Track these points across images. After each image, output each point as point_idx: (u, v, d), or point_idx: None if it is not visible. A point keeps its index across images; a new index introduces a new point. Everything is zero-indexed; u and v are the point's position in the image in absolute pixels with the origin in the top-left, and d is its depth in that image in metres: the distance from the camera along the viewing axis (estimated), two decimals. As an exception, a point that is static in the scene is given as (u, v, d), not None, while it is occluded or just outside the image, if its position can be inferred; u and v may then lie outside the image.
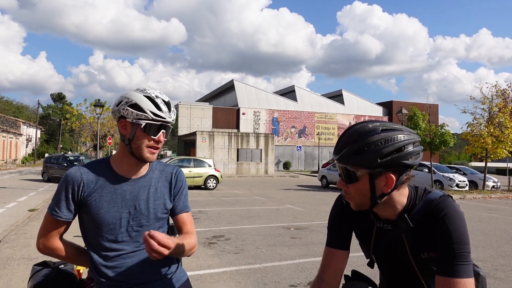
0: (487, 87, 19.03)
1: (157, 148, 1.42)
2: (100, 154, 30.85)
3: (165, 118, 1.39)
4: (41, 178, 21.55)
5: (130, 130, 1.39)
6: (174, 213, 1.52)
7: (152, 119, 1.37)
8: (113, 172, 1.44)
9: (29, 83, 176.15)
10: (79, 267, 1.62)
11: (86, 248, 1.46)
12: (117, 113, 1.41)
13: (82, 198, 1.39)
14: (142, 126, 1.37)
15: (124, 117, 1.39)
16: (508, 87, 19.46)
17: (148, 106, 1.37)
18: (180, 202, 1.54)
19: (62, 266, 1.54)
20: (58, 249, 1.45)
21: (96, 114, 21.21)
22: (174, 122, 1.46)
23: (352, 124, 1.26)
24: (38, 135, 53.31)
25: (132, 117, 1.37)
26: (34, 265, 1.53)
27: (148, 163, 1.50)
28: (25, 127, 51.51)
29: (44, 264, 1.54)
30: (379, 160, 1.11)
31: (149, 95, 1.39)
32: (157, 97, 1.40)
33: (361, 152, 1.13)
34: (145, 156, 1.40)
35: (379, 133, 1.14)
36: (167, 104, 1.42)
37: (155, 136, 1.39)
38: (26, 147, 52.02)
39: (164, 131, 1.42)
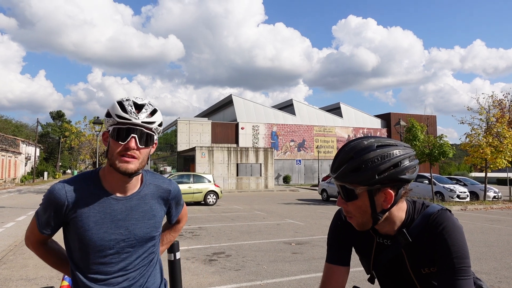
0: (483, 98, 19.21)
1: (131, 156, 1.26)
2: (99, 172, 30.68)
3: (130, 120, 1.25)
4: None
5: (107, 141, 1.32)
6: (169, 221, 1.53)
7: (118, 122, 1.26)
8: (102, 189, 1.33)
9: (28, 102, 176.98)
10: (64, 283, 1.58)
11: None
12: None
13: (66, 218, 1.30)
14: (110, 132, 1.29)
15: (107, 130, 1.33)
16: (505, 97, 19.64)
17: (115, 110, 1.27)
18: (176, 214, 1.55)
19: None
20: (41, 253, 1.44)
21: (95, 131, 21.25)
22: (153, 125, 1.31)
23: (351, 136, 1.27)
24: (37, 154, 53.25)
25: (107, 126, 1.31)
26: None
27: (141, 177, 1.40)
28: (24, 145, 51.50)
29: None
30: (376, 177, 1.12)
31: (121, 99, 1.30)
32: (127, 100, 1.29)
33: (359, 170, 1.13)
34: (116, 165, 1.26)
35: (375, 149, 1.14)
36: (138, 105, 1.29)
37: (123, 141, 1.25)
38: (25, 166, 51.89)
39: (135, 135, 1.26)
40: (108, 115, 1.29)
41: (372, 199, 1.15)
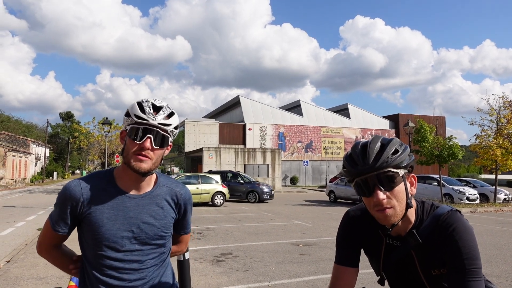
0: (494, 99, 18.95)
1: (145, 156, 1.30)
2: (108, 172, 30.97)
3: (147, 120, 1.29)
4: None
5: (124, 139, 1.37)
6: (175, 231, 1.52)
7: (135, 122, 1.31)
8: (116, 187, 1.37)
9: (38, 103, 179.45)
10: (71, 283, 1.60)
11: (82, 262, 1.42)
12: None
13: (81, 214, 1.34)
14: (127, 131, 1.34)
15: (125, 129, 1.38)
16: (516, 98, 19.35)
17: (133, 110, 1.32)
18: (183, 223, 1.54)
19: None
20: (54, 256, 1.46)
21: (104, 132, 21.44)
22: (169, 127, 1.34)
23: (358, 137, 1.29)
24: (47, 154, 53.89)
25: (125, 125, 1.36)
26: None
27: (155, 178, 1.44)
28: (34, 146, 52.15)
29: None
30: (408, 158, 1.18)
31: (140, 100, 1.35)
32: (146, 101, 1.34)
33: (398, 152, 1.17)
34: (131, 163, 1.30)
35: (391, 138, 1.21)
36: (157, 107, 1.33)
37: (139, 140, 1.30)
38: (35, 166, 52.53)
39: (150, 136, 1.30)
40: (127, 114, 1.34)
41: (405, 183, 1.19)
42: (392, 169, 1.14)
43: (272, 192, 19.29)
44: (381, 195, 1.14)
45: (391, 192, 1.15)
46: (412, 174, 1.23)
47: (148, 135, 1.30)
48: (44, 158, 50.14)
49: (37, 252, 1.48)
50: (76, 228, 1.42)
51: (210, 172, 21.20)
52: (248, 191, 19.18)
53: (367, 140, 1.22)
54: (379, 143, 1.18)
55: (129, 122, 1.33)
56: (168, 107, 1.37)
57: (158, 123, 1.31)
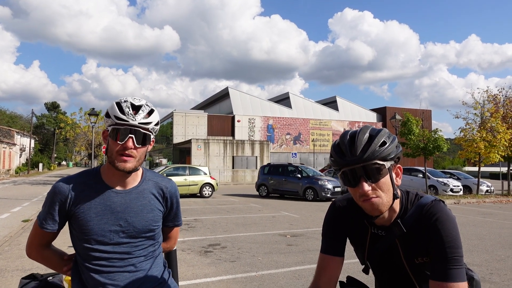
0: (478, 93, 19.31)
1: (128, 156, 1.34)
2: (95, 163, 30.65)
3: (127, 121, 1.32)
4: (258, 193, 17.79)
5: (106, 140, 1.39)
6: (164, 225, 1.54)
7: (116, 124, 1.33)
8: (103, 184, 1.41)
9: (22, 92, 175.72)
10: (68, 278, 1.61)
11: (75, 257, 1.45)
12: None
13: (69, 210, 1.38)
14: (109, 132, 1.36)
15: (106, 129, 1.40)
16: (499, 92, 19.73)
17: (113, 111, 1.34)
18: (171, 216, 1.56)
19: (51, 278, 1.54)
20: (45, 257, 1.48)
21: (91, 123, 21.14)
22: (149, 125, 1.37)
23: (346, 130, 1.29)
24: (32, 145, 52.89)
25: (106, 126, 1.38)
26: (22, 278, 1.53)
27: (141, 173, 1.48)
28: (19, 136, 51.09)
29: (31, 276, 1.53)
30: (396, 150, 1.20)
31: (119, 100, 1.37)
32: (125, 101, 1.36)
33: (385, 144, 1.18)
34: (116, 164, 1.34)
35: (380, 129, 1.22)
36: (136, 107, 1.36)
37: (121, 141, 1.33)
38: (20, 157, 51.53)
39: (132, 136, 1.33)
40: (108, 115, 1.37)
41: (391, 175, 1.20)
42: (378, 161, 1.15)
43: (338, 189, 15.64)
44: (366, 186, 1.16)
45: (377, 184, 1.16)
46: (398, 165, 1.25)
47: (130, 135, 1.33)
48: (29, 149, 49.20)
49: (27, 255, 1.49)
50: (67, 225, 1.45)
51: (269, 165, 18.93)
52: (305, 187, 16.03)
53: (356, 129, 1.23)
54: (367, 134, 1.19)
55: (110, 123, 1.36)
56: (147, 105, 1.39)
57: (139, 123, 1.34)
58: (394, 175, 1.21)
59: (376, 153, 1.15)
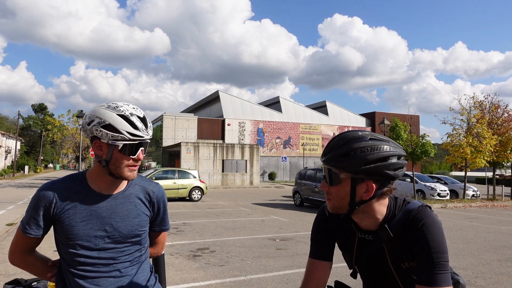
0: (465, 99, 19.67)
1: (136, 166, 1.38)
2: (83, 166, 30.23)
3: (143, 137, 1.34)
4: (293, 202, 15.65)
5: (107, 151, 1.33)
6: (150, 230, 1.52)
7: (129, 139, 1.31)
8: (89, 189, 1.39)
9: (9, 94, 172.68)
10: (52, 284, 1.58)
11: (60, 263, 1.43)
12: (89, 133, 1.34)
13: (54, 216, 1.35)
14: (119, 148, 1.32)
15: (98, 138, 1.32)
16: (485, 98, 20.13)
17: (123, 126, 1.30)
18: (158, 221, 1.54)
19: (35, 283, 1.51)
20: (28, 263, 1.45)
21: (79, 125, 20.87)
22: (151, 137, 1.41)
23: (336, 134, 1.30)
24: (18, 147, 51.93)
25: (108, 139, 1.31)
26: (5, 283, 1.49)
27: None
28: (4, 138, 50.15)
29: (15, 282, 1.50)
30: (363, 166, 1.16)
31: (122, 113, 1.31)
32: (131, 114, 1.33)
33: (347, 156, 1.17)
34: (125, 175, 1.35)
35: (367, 140, 1.19)
36: (143, 120, 1.36)
37: (134, 155, 1.34)
38: (5, 159, 50.55)
39: (142, 148, 1.37)
40: (114, 130, 1.31)
41: (354, 187, 1.19)
42: (333, 169, 1.19)
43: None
44: (323, 185, 1.25)
45: (332, 187, 1.22)
46: (372, 183, 1.17)
47: (141, 148, 1.37)
48: (15, 151, 48.30)
49: (10, 262, 1.45)
50: (52, 229, 1.42)
51: (306, 169, 16.14)
52: None
53: (346, 132, 1.24)
54: (340, 141, 1.20)
55: (120, 139, 1.31)
56: (145, 114, 1.39)
57: (149, 136, 1.38)
58: (360, 189, 1.18)
59: (333, 161, 1.19)
